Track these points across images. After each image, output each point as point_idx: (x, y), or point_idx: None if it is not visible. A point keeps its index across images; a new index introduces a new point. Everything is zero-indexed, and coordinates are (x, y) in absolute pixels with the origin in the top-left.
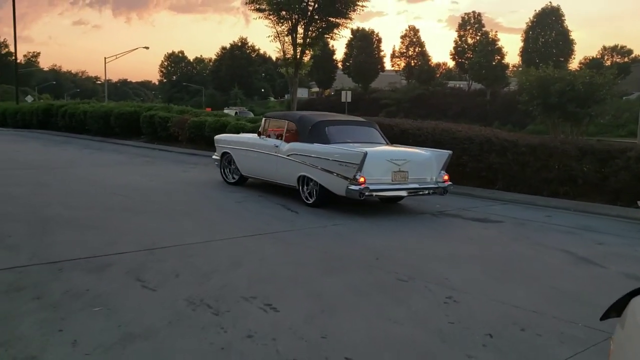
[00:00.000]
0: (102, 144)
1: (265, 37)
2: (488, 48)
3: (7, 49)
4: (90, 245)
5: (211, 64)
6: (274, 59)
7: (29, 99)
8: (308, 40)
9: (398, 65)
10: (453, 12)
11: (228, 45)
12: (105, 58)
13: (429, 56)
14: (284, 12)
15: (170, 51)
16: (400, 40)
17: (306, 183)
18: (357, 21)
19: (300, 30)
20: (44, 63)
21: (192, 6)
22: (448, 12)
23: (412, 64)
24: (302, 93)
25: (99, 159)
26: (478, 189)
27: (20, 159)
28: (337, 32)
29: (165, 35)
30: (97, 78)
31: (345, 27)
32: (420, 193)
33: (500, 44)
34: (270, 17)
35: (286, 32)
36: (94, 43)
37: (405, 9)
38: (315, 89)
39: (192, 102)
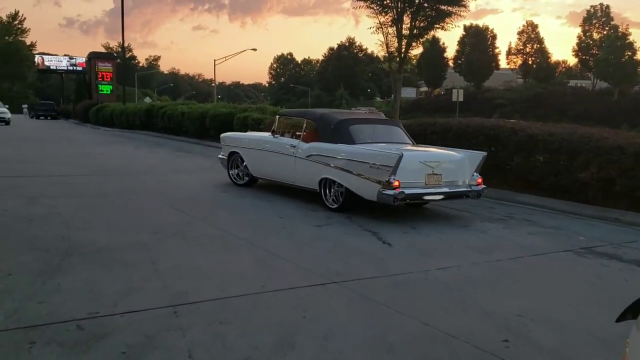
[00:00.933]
0: (194, 147)
1: (374, 35)
2: (617, 43)
3: (130, 53)
4: (100, 295)
5: (318, 65)
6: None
7: (147, 100)
8: (415, 31)
9: (514, 62)
10: (574, 8)
11: (336, 46)
12: (214, 60)
13: (549, 53)
14: (387, 0)
15: (279, 53)
16: (517, 36)
17: (329, 186)
18: (470, 18)
19: (406, 20)
20: (164, 66)
21: (303, 9)
22: (568, 8)
23: (530, 62)
24: (409, 92)
25: (183, 164)
26: (629, 213)
27: (101, 163)
28: (450, 22)
29: (276, 38)
30: (211, 80)
31: (460, 15)
32: (455, 197)
33: (631, 38)
34: (373, 6)
35: (390, 23)
36: (210, 47)
37: (522, 5)
38: (424, 89)
39: (299, 103)
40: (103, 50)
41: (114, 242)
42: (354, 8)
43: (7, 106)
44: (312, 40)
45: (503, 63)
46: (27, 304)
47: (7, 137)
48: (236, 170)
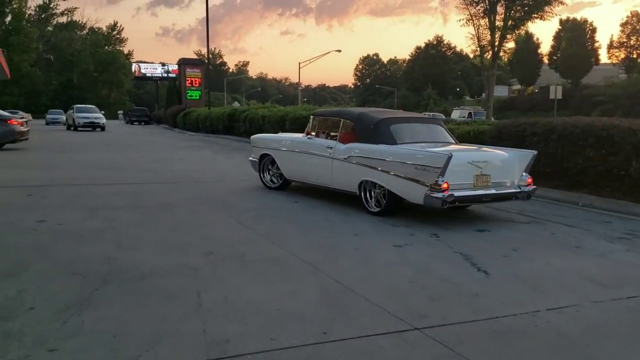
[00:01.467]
0: None
1: (462, 32)
2: None
3: (220, 60)
4: (124, 342)
5: (405, 65)
6: (470, 55)
7: (236, 104)
8: (510, 22)
9: (616, 57)
10: None
11: (423, 45)
12: (299, 63)
13: None
14: None
15: (365, 54)
16: (620, 28)
17: (370, 189)
18: (566, 12)
19: (499, 10)
20: (253, 71)
21: (390, 9)
22: None
23: (634, 55)
24: (501, 91)
25: None
26: None
27: (176, 169)
28: (550, 11)
29: (362, 40)
30: (299, 85)
31: (561, 2)
32: (504, 199)
33: None
34: None
35: (482, 14)
36: (297, 51)
37: None
38: (517, 87)
39: (385, 104)
40: (195, 57)
41: (161, 266)
42: (441, 6)
43: (103, 112)
44: (398, 40)
45: (603, 58)
46: (35, 353)
47: (96, 143)
48: (268, 173)
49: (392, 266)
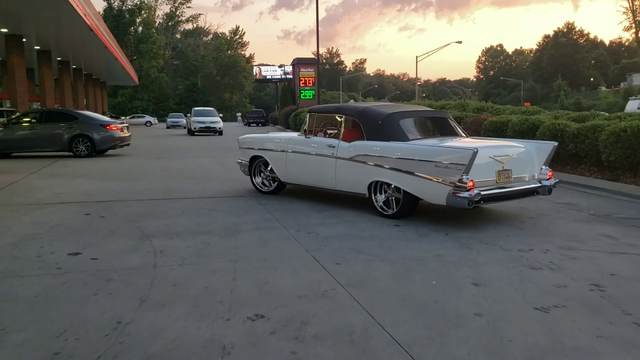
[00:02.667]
0: None
1: (597, 17)
2: None
3: (338, 58)
4: None
5: (532, 55)
6: (606, 42)
7: (351, 102)
8: None
9: None
10: None
11: (552, 33)
12: (417, 57)
13: None
14: None
15: (488, 46)
16: None
17: (381, 190)
18: None
19: None
20: (370, 68)
21: None
22: None
23: None
24: None
25: None
26: None
27: None
28: None
29: (484, 31)
30: (417, 79)
31: None
32: (527, 195)
33: None
34: None
35: None
36: (416, 46)
37: None
38: None
39: (510, 97)
40: (311, 56)
41: (185, 341)
42: None
43: (221, 115)
44: (524, 29)
45: None
46: None
47: (200, 147)
48: (260, 177)
49: (549, 355)
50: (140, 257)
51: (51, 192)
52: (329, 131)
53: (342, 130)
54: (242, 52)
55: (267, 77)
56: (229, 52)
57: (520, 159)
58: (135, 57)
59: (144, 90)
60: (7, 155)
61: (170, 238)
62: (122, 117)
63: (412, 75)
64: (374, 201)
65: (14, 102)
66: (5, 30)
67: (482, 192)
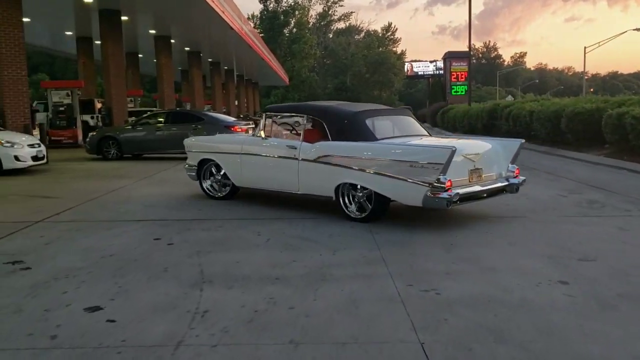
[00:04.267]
0: (541, 158)
1: None
2: None
3: (495, 52)
4: None
5: None
6: None
7: (509, 98)
8: None
9: None
10: None
11: None
12: (584, 48)
13: None
14: None
15: None
16: None
17: (349, 193)
18: None
19: None
20: (530, 62)
21: None
22: None
23: None
24: None
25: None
26: None
27: None
28: None
29: None
30: (584, 73)
31: None
32: (496, 193)
33: None
34: None
35: None
36: (583, 38)
37: None
38: None
39: None
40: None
41: None
42: None
43: None
44: None
45: None
46: None
47: None
48: (210, 181)
49: None
50: (170, 323)
51: (141, 204)
52: (288, 132)
53: (304, 130)
54: (394, 49)
55: (419, 73)
56: (380, 49)
57: (489, 157)
58: (288, 58)
59: (295, 90)
60: (139, 157)
61: (229, 287)
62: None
63: (578, 68)
64: (342, 205)
65: (193, 106)
66: (154, 31)
67: (461, 192)
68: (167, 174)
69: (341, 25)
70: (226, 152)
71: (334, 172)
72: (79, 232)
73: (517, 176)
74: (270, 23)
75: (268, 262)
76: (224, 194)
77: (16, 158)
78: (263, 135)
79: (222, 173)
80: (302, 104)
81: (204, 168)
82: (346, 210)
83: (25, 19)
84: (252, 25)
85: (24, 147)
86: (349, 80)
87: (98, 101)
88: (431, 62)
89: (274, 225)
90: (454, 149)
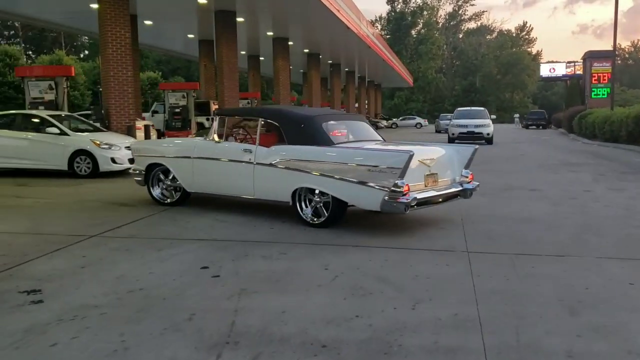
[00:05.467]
0: None
1: None
2: None
3: None
4: None
5: None
6: None
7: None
8: None
9: None
10: None
11: None
12: None
13: None
14: None
15: None
16: None
17: (306, 197)
18: None
19: None
20: None
21: None
22: None
23: None
24: None
25: None
26: None
27: (508, 212)
28: None
29: None
30: None
31: None
32: (451, 198)
33: None
34: None
35: None
36: None
37: None
38: None
39: None
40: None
41: None
42: None
43: (493, 117)
44: None
45: None
46: None
47: None
48: (159, 187)
49: None
50: None
51: (213, 218)
52: (241, 135)
53: (259, 134)
54: (528, 49)
55: (555, 75)
56: (513, 49)
57: (443, 162)
58: (414, 59)
59: (419, 91)
60: None
61: (255, 355)
62: (394, 119)
63: None
64: (299, 209)
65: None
66: (271, 33)
67: (419, 196)
68: None
69: (472, 25)
70: (177, 156)
71: (290, 176)
72: (125, 253)
73: (470, 182)
74: (397, 24)
75: (323, 314)
76: (174, 199)
77: (112, 160)
78: (216, 139)
79: (170, 177)
80: (257, 107)
81: (153, 173)
82: (302, 216)
83: (147, 22)
84: (379, 27)
85: (121, 149)
86: (479, 81)
87: (214, 103)
88: (569, 63)
89: (350, 255)
90: (411, 153)
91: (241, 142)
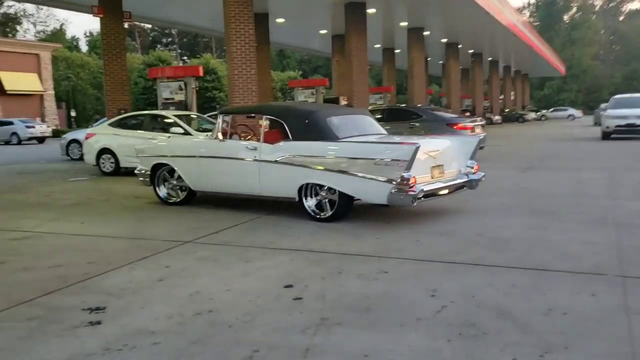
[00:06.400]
0: None
1: None
2: None
3: None
4: None
5: None
6: None
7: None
8: None
9: None
10: None
11: None
12: None
13: None
14: None
15: None
16: None
17: (312, 193)
18: None
19: None
20: None
21: None
22: None
23: None
24: None
25: None
26: None
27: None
28: None
29: None
30: None
31: None
32: (457, 189)
33: None
34: None
35: None
36: None
37: None
38: None
39: None
40: None
41: None
42: None
43: None
44: None
45: None
46: None
47: (608, 154)
48: (165, 187)
49: None
50: None
51: (317, 225)
52: (245, 133)
53: (263, 131)
54: None
55: None
56: None
57: (448, 153)
58: (567, 46)
59: (573, 80)
60: None
61: None
62: (543, 110)
63: None
64: (306, 205)
65: (448, 100)
66: (405, 23)
67: (425, 188)
68: None
69: (635, 5)
70: (182, 156)
71: (296, 172)
72: (209, 265)
73: (476, 172)
74: (547, 10)
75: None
76: (180, 199)
77: None
78: (221, 137)
79: (176, 177)
80: (260, 104)
81: (158, 173)
82: (309, 211)
83: (279, 20)
84: (527, 14)
85: None
86: None
87: (343, 99)
88: None
89: (467, 276)
90: (418, 145)
91: (245, 140)
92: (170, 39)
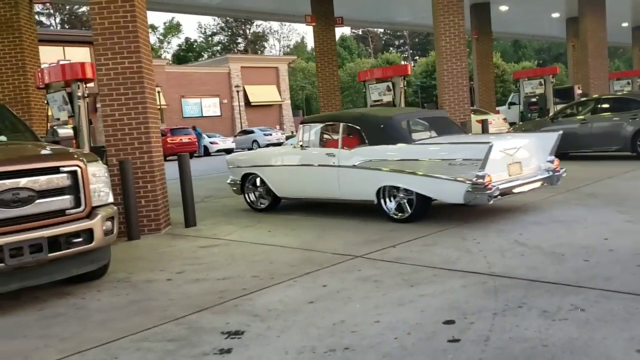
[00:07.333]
0: None
1: None
2: None
3: None
4: None
5: None
6: None
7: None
8: None
9: None
10: None
11: None
12: None
13: None
14: None
15: None
16: None
17: (390, 195)
18: None
19: None
20: None
21: None
22: None
23: None
24: None
25: None
26: None
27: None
28: None
29: None
30: None
31: None
32: (537, 186)
33: None
34: None
35: None
36: None
37: None
38: None
39: None
40: None
41: None
42: None
43: None
44: None
45: None
46: None
47: None
48: (254, 194)
49: None
50: None
51: (513, 240)
52: (325, 140)
53: (341, 138)
54: None
55: None
56: None
57: (527, 150)
58: None
59: None
60: (565, 156)
61: None
62: None
63: None
64: (385, 207)
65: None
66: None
67: (501, 187)
68: (599, 186)
69: None
70: (267, 165)
71: (374, 176)
72: (368, 287)
73: (557, 168)
74: None
75: None
76: (266, 205)
77: None
78: (302, 146)
79: (264, 185)
80: (337, 112)
81: (247, 182)
82: (389, 213)
83: (502, 8)
84: None
85: None
86: None
87: (578, 87)
88: None
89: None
90: (491, 144)
91: (325, 147)
92: (402, 40)
